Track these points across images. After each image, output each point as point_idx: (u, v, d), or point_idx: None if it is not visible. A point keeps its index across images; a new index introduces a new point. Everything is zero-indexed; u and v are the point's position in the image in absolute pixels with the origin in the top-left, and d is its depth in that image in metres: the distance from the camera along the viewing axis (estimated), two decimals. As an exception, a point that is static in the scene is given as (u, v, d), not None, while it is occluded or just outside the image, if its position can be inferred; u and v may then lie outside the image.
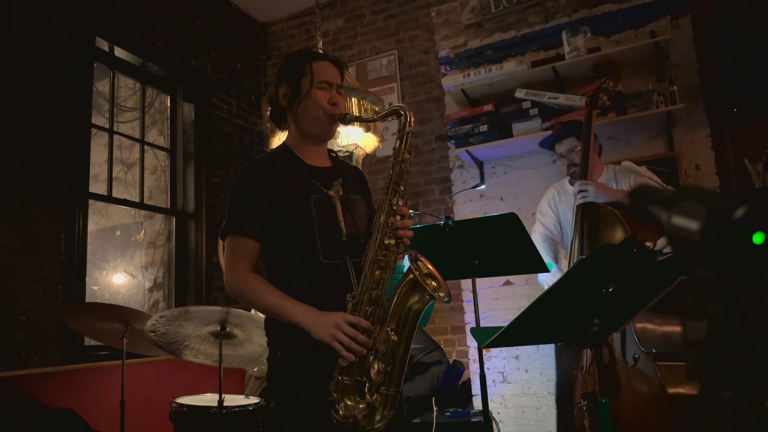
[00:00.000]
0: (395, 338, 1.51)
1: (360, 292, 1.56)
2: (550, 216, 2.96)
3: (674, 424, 1.96)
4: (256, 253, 1.66)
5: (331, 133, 1.80)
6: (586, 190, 2.56)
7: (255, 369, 3.21)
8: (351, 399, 1.51)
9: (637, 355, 2.13)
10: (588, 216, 2.53)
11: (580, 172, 2.66)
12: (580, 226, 2.54)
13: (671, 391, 2.00)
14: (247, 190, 1.68)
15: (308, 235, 1.63)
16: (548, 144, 2.99)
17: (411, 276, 1.54)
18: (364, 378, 1.52)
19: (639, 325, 2.19)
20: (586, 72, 3.52)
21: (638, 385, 2.12)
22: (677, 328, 2.13)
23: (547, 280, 2.88)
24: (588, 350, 2.36)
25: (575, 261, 2.53)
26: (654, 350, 2.09)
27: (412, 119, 1.68)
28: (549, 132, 3.38)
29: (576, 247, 2.55)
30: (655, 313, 2.20)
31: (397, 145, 1.66)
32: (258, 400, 2.75)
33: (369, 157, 4.02)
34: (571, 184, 2.88)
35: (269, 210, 1.64)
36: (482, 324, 3.14)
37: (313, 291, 1.60)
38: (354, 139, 2.88)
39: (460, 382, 3.83)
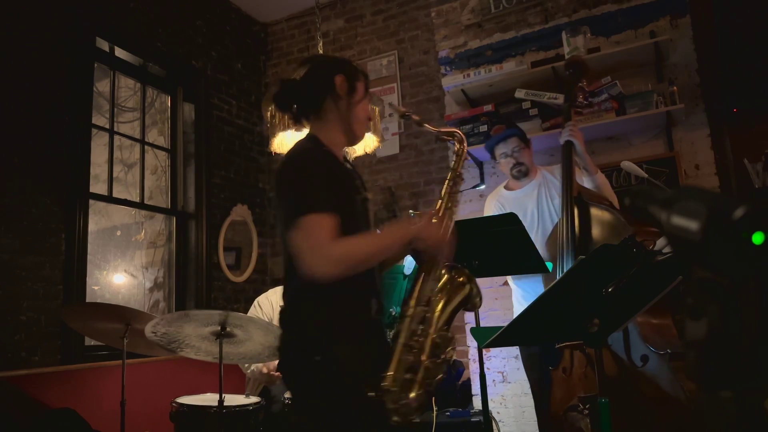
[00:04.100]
0: (451, 335, 1.61)
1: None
2: None
3: (691, 422, 1.95)
4: (338, 229, 1.56)
5: (360, 141, 1.86)
6: (568, 134, 2.67)
7: (249, 370, 3.20)
8: (405, 389, 1.53)
9: (646, 356, 2.12)
10: (580, 215, 2.53)
11: (565, 169, 2.63)
12: (571, 224, 2.51)
13: (689, 389, 2.00)
14: (321, 172, 1.60)
15: (356, 231, 1.64)
16: (490, 146, 2.98)
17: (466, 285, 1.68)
18: (420, 362, 1.56)
19: (647, 326, 2.18)
20: (587, 72, 3.52)
21: (649, 387, 2.11)
22: None
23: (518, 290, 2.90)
24: (569, 351, 2.35)
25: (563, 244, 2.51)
26: (669, 350, 2.09)
27: (465, 148, 1.82)
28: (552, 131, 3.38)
29: (567, 237, 2.50)
30: (666, 315, 2.19)
31: (454, 166, 1.80)
32: (258, 400, 2.75)
33: (369, 157, 4.02)
34: (512, 184, 2.97)
35: (336, 197, 1.59)
36: (482, 324, 3.14)
37: (365, 284, 1.63)
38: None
39: (460, 382, 3.83)
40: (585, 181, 2.70)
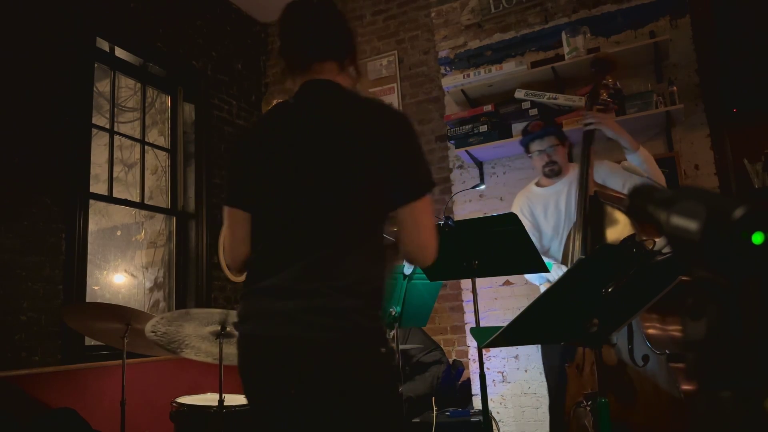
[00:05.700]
0: None
1: None
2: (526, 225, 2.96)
3: (688, 423, 1.96)
4: None
5: None
6: (591, 122, 2.63)
7: None
8: None
9: (647, 356, 2.13)
10: (593, 214, 2.53)
11: (583, 165, 2.64)
12: (583, 226, 2.52)
13: (685, 389, 2.01)
14: None
15: None
16: (526, 142, 2.99)
17: None
18: None
19: (650, 327, 2.18)
20: (586, 72, 3.52)
21: (649, 386, 2.12)
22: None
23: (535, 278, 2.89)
24: (584, 348, 2.36)
25: (575, 248, 2.53)
26: (667, 351, 2.09)
27: None
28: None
29: (579, 237, 2.53)
30: (667, 315, 2.19)
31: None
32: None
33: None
34: (543, 181, 2.94)
35: None
36: (482, 324, 3.15)
37: None
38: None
39: (459, 382, 3.84)
40: (629, 159, 2.69)
